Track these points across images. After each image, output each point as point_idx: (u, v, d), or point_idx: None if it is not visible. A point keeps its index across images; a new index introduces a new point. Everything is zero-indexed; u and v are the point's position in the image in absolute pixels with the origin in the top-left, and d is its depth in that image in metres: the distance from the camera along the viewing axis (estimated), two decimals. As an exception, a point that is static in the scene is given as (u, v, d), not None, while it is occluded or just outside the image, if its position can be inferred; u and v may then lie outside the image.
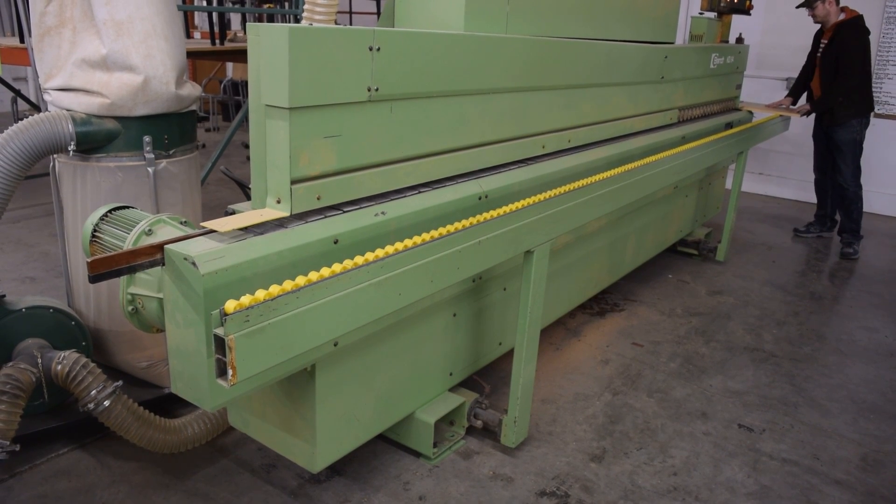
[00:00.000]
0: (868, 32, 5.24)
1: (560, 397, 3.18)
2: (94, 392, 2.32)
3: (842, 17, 5.25)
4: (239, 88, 10.01)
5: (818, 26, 5.52)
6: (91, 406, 2.32)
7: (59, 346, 2.57)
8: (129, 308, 1.95)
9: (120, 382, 2.39)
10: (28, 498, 2.36)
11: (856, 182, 5.42)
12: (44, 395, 2.61)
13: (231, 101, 10.19)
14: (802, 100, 5.80)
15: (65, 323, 2.69)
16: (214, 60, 9.81)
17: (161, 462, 2.56)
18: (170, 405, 2.83)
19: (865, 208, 6.69)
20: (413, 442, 2.66)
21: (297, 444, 2.22)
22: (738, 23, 5.87)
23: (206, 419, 2.55)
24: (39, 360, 2.41)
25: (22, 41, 4.44)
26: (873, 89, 5.58)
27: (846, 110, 5.30)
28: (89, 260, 1.61)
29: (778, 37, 7.07)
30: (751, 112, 5.44)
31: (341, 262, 1.75)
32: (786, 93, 5.96)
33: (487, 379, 3.02)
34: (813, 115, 5.61)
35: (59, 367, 2.36)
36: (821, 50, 5.38)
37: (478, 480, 2.58)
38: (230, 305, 1.46)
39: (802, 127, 6.12)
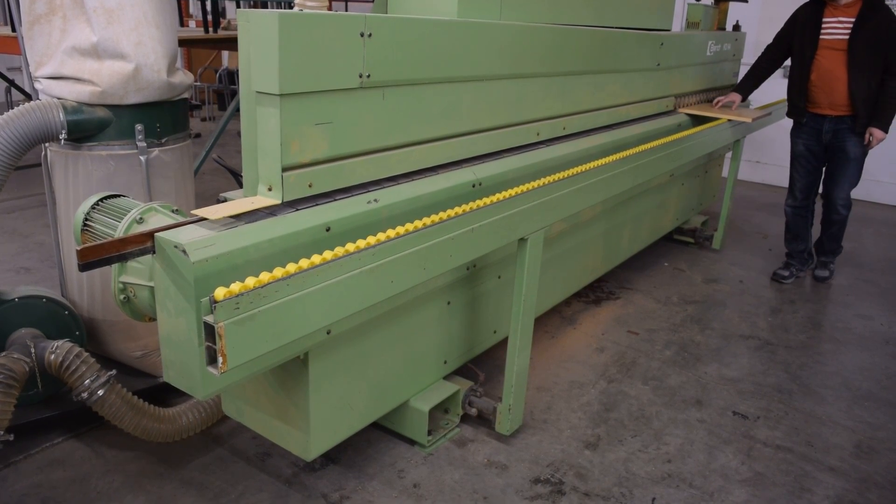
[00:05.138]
0: None
1: (555, 385, 3.18)
2: (87, 381, 2.32)
3: None
4: (234, 77, 9.94)
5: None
6: (85, 395, 2.31)
7: (52, 336, 2.57)
8: (121, 297, 1.94)
9: (114, 372, 2.38)
10: (23, 487, 2.36)
11: (849, 196, 4.44)
12: (38, 384, 2.60)
13: (227, 90, 10.13)
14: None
15: (58, 312, 2.68)
16: (208, 48, 9.75)
17: (156, 451, 2.56)
18: (164, 394, 2.82)
19: (864, 196, 6.71)
20: (408, 430, 2.66)
21: (290, 433, 2.22)
22: (735, 10, 5.84)
23: (201, 408, 2.55)
24: (33, 350, 2.40)
25: (14, 30, 4.40)
26: None
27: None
28: (79, 248, 1.60)
29: (775, 24, 7.03)
30: (689, 115, 4.39)
31: (333, 250, 1.75)
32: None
33: (482, 367, 3.02)
34: (793, 122, 4.51)
35: (53, 356, 2.35)
36: (846, 33, 4.09)
37: (472, 468, 2.58)
38: (219, 293, 1.45)
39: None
